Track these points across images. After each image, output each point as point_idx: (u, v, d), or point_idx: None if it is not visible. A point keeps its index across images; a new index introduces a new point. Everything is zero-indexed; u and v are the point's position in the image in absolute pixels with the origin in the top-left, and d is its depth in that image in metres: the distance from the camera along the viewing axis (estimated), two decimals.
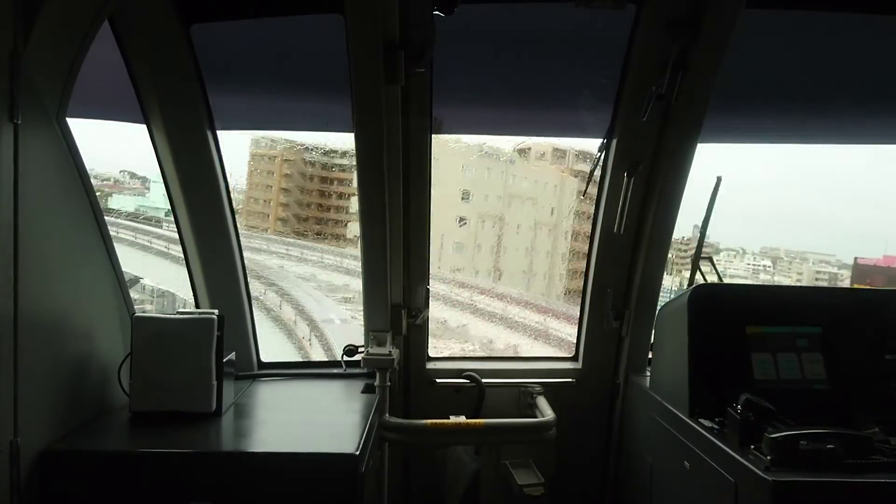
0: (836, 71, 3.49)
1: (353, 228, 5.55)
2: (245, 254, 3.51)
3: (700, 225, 3.46)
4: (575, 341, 3.96)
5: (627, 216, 3.48)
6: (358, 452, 2.35)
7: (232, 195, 3.36)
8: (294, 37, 3.32)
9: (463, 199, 5.72)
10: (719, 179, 3.30)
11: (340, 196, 6.05)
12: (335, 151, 5.83)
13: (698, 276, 3.53)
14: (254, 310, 3.68)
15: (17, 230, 2.02)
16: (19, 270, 2.03)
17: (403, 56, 2.95)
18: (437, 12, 2.95)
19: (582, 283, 3.88)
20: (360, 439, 2.46)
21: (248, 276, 3.62)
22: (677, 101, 3.11)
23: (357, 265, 3.56)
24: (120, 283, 2.75)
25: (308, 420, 2.90)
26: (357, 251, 3.60)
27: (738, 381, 2.76)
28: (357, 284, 3.62)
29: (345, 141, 3.68)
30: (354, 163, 3.18)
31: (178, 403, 2.61)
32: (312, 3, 3.07)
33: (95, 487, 2.25)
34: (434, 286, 3.78)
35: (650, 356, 3.58)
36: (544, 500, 3.37)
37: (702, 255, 3.50)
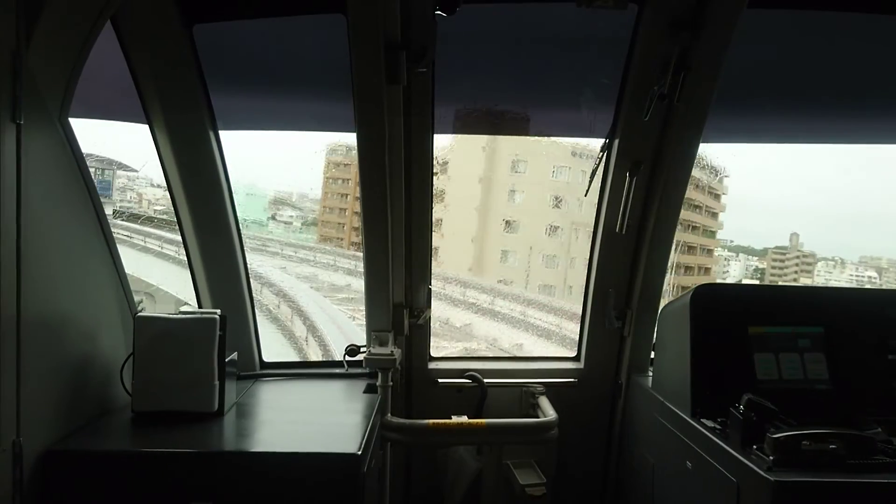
0: (840, 70, 3.48)
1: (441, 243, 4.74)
2: (314, 271, 3.39)
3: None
4: (578, 341, 3.97)
5: (629, 216, 3.48)
6: (360, 452, 2.35)
7: (304, 205, 3.31)
8: (296, 37, 3.32)
9: (555, 206, 5.46)
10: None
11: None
12: None
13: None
14: (255, 309, 3.69)
15: (19, 231, 2.02)
16: (22, 271, 2.03)
17: (405, 56, 2.95)
18: (438, 12, 2.95)
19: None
20: (362, 439, 2.46)
21: (251, 276, 3.63)
22: (679, 100, 3.11)
23: (449, 289, 3.40)
24: (122, 283, 2.75)
25: (310, 420, 2.90)
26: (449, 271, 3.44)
27: (740, 381, 2.76)
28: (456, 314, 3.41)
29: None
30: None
31: (180, 403, 2.61)
32: (314, 4, 3.07)
33: (98, 487, 2.25)
34: (531, 314, 3.61)
35: (652, 356, 3.58)
36: (546, 500, 3.37)
37: None
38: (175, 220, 3.41)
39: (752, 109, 3.64)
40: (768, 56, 3.39)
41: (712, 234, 6.02)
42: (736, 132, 3.87)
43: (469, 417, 3.50)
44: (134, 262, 5.59)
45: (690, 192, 3.63)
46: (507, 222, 5.76)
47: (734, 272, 6.72)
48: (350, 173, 5.90)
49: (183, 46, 2.99)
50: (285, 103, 3.65)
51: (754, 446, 2.34)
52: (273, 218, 6.67)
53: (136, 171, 6.07)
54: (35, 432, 2.15)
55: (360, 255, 3.39)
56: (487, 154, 5.59)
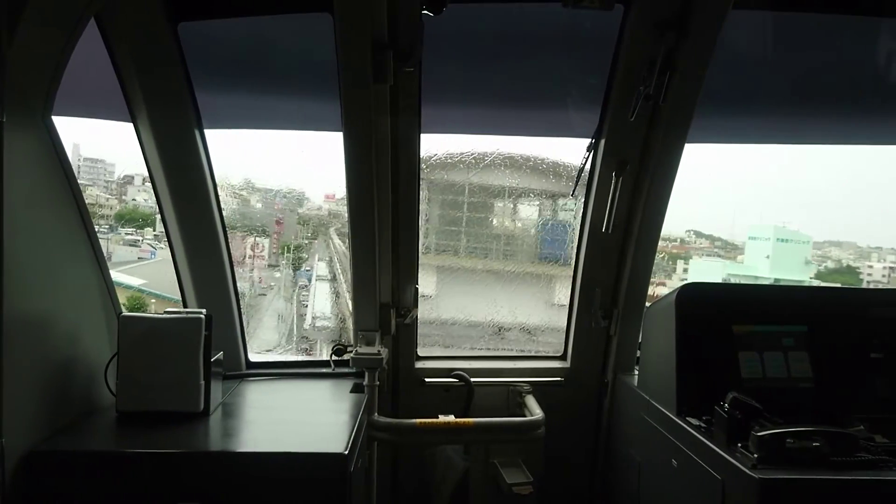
0: (824, 71, 3.52)
1: None
2: None
3: None
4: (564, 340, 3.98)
5: (615, 215, 3.49)
6: (347, 452, 2.34)
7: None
8: (282, 35, 3.31)
9: None
10: None
11: None
12: None
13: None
14: (242, 309, 3.67)
15: (1, 230, 2.00)
16: (4, 270, 2.01)
17: (392, 55, 2.95)
18: (425, 12, 2.95)
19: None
20: (349, 439, 2.46)
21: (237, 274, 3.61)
22: (665, 101, 3.13)
23: None
24: (106, 283, 2.73)
25: (296, 420, 2.89)
26: None
27: (725, 380, 2.78)
28: None
29: None
30: None
31: (166, 403, 2.59)
32: (301, 2, 3.06)
33: (82, 488, 2.23)
34: None
35: (638, 355, 3.59)
36: (533, 498, 3.38)
37: None
38: (161, 219, 3.39)
39: (738, 109, 3.67)
40: (754, 56, 3.41)
41: None
42: (722, 132, 3.89)
43: (456, 417, 3.50)
44: None
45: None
46: None
47: None
48: None
49: (168, 44, 2.97)
50: (271, 102, 3.63)
51: (739, 444, 2.36)
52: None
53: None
54: (18, 432, 2.12)
55: None
56: None
